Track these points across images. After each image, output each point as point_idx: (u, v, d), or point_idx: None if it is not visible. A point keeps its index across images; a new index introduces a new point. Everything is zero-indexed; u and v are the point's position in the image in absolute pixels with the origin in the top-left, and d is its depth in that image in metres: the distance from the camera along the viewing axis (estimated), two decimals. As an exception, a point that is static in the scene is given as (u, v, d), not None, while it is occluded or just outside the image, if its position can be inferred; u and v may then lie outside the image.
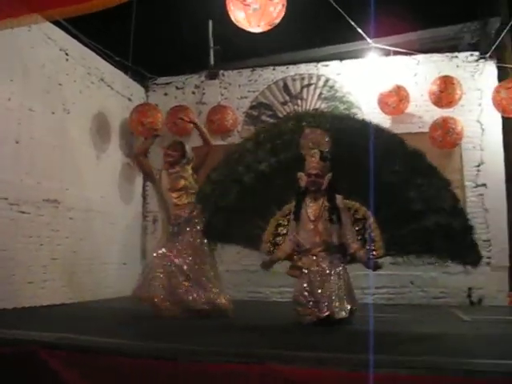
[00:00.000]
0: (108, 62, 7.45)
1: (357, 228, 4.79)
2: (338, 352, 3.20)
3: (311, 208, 4.76)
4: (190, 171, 5.61)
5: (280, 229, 4.99)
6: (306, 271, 4.67)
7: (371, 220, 4.71)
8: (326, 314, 4.37)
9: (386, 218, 4.66)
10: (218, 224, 5.16)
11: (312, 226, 4.71)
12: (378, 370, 2.75)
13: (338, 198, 4.77)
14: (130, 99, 7.90)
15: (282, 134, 5.13)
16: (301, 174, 4.81)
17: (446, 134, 6.80)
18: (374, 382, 2.72)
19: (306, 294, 4.57)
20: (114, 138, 7.49)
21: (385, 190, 4.47)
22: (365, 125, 5.14)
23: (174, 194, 5.45)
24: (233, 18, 4.60)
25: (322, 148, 4.79)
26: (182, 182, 5.48)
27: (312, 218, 4.73)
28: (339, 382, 2.86)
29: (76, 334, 3.55)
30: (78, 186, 6.62)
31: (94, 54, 7.13)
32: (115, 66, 7.61)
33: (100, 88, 7.24)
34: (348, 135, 4.87)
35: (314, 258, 4.68)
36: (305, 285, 4.63)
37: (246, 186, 4.99)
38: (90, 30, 6.95)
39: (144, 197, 8.12)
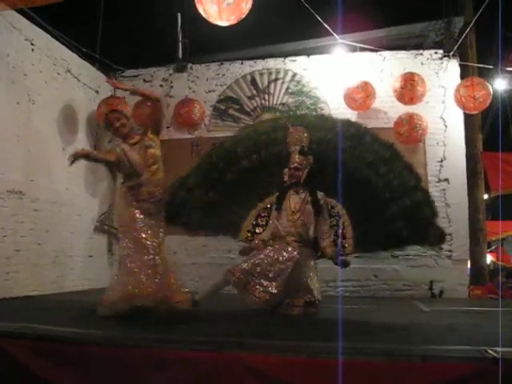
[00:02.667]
0: (75, 53, 7.37)
1: (332, 224, 5.05)
2: (301, 340, 3.28)
3: (294, 200, 5.00)
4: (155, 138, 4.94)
5: (259, 220, 5.25)
6: (270, 248, 4.86)
7: (342, 218, 4.92)
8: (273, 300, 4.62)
9: (357, 211, 4.86)
10: (198, 215, 5.31)
11: (292, 217, 4.95)
12: (341, 356, 2.84)
13: (320, 195, 5.03)
14: (97, 91, 7.84)
15: (262, 132, 5.37)
16: (286, 170, 5.14)
17: (413, 130, 6.92)
18: (337, 368, 2.81)
19: (258, 269, 4.72)
20: (80, 130, 7.44)
21: (359, 183, 4.67)
22: (334, 122, 5.39)
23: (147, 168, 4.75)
24: (201, 10, 4.62)
25: (303, 143, 5.08)
26: (152, 151, 4.80)
27: (293, 209, 4.97)
28: (300, 368, 2.93)
29: (36, 324, 3.57)
30: (43, 178, 6.56)
31: (60, 44, 7.05)
32: (82, 58, 7.53)
33: (66, 79, 7.17)
34: (324, 134, 5.14)
35: (286, 245, 4.87)
36: (260, 259, 4.79)
37: (228, 181, 5.20)
38: (57, 21, 6.88)
39: (111, 189, 8.06)
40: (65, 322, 3.87)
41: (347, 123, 5.31)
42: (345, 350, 2.91)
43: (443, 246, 6.93)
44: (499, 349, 2.91)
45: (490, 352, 2.87)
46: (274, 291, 4.70)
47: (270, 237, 5.07)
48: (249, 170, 5.31)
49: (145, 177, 4.69)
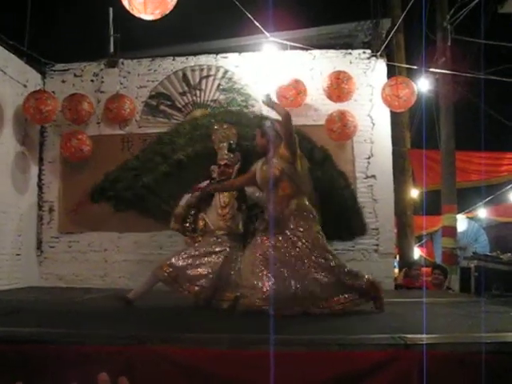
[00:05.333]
0: (1, 45, 7.15)
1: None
2: (221, 332, 3.35)
3: (223, 195, 5.03)
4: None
5: (191, 210, 5.27)
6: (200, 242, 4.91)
7: None
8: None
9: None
10: (135, 199, 5.43)
11: (221, 212, 5.03)
12: (267, 347, 2.91)
13: (248, 190, 5.07)
14: (25, 85, 7.62)
15: (199, 127, 5.48)
16: (214, 167, 5.25)
17: (345, 127, 7.06)
18: (262, 358, 2.88)
19: (188, 263, 4.76)
20: (7, 125, 7.20)
21: None
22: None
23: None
24: (125, 2, 4.57)
25: (230, 140, 5.16)
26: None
27: (223, 204, 5.06)
28: (218, 360, 2.99)
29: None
30: (-34, 174, 6.37)
31: (-15, 36, 6.84)
32: (9, 50, 7.30)
33: (-8, 72, 6.97)
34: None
35: (215, 239, 4.91)
36: (189, 253, 4.84)
37: (162, 173, 5.30)
38: (-19, 12, 6.68)
39: (40, 186, 7.89)
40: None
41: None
42: (268, 341, 2.98)
43: (370, 241, 7.24)
44: (409, 335, 3.10)
45: (403, 338, 3.04)
46: (205, 285, 4.75)
47: (200, 233, 5.14)
48: (183, 163, 5.43)
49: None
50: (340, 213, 5.52)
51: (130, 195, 5.62)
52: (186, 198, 5.22)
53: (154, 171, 5.58)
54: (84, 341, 3.10)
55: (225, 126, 5.39)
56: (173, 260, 4.80)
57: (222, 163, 5.17)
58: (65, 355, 3.01)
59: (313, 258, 4.32)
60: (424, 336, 3.12)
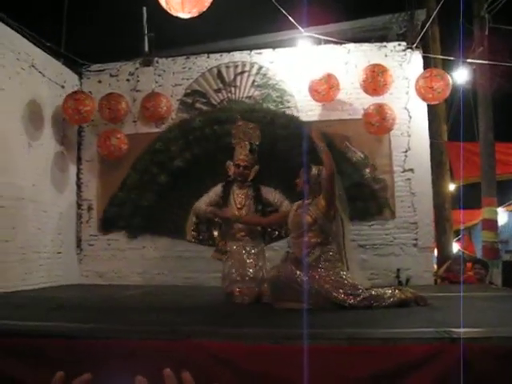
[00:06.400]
0: (39, 47, 7.27)
1: None
2: (259, 327, 3.36)
3: (238, 196, 5.03)
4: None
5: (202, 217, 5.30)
6: (230, 254, 4.99)
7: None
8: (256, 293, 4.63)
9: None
10: (144, 223, 5.40)
11: (238, 213, 4.99)
12: (299, 342, 2.90)
13: (264, 189, 5.13)
14: (62, 86, 7.76)
15: (193, 129, 5.41)
16: (229, 163, 5.18)
17: (384, 120, 6.95)
18: (296, 353, 2.87)
19: (233, 273, 4.83)
20: (46, 126, 7.35)
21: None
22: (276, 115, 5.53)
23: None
24: (162, 2, 4.60)
25: (253, 141, 5.12)
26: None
27: (238, 205, 5.03)
28: (259, 354, 2.99)
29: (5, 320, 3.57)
30: (8, 174, 6.48)
31: (23, 39, 6.95)
32: (47, 52, 7.43)
33: (31, 74, 7.08)
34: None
35: (239, 242, 4.96)
36: (230, 265, 4.91)
37: (162, 184, 5.25)
38: (20, 15, 6.80)
39: (78, 185, 8.02)
40: (27, 316, 3.87)
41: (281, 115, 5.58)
42: (306, 335, 2.97)
43: (409, 235, 7.17)
44: (459, 330, 3.04)
45: (449, 332, 3.00)
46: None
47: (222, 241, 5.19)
48: (183, 169, 5.38)
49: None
50: (352, 193, 5.51)
51: (139, 221, 5.58)
52: (203, 202, 5.20)
53: (154, 184, 5.49)
54: (127, 336, 3.15)
55: (250, 126, 5.31)
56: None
57: (242, 164, 5.10)
58: (109, 349, 3.05)
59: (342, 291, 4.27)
60: (469, 330, 3.06)
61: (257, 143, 5.24)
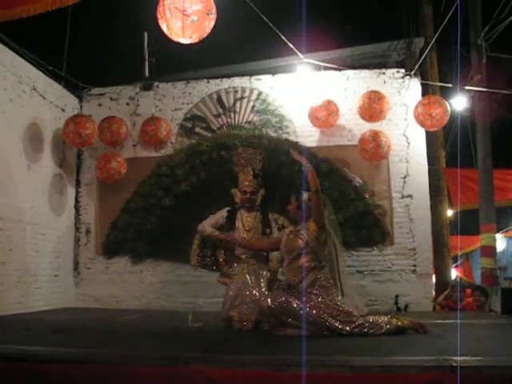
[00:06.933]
0: (41, 70, 7.33)
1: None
2: (259, 354, 3.33)
3: (246, 219, 5.09)
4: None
5: (207, 242, 5.30)
6: (236, 278, 4.95)
7: None
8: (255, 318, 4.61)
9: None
10: (148, 248, 5.39)
11: (246, 235, 5.03)
12: (300, 369, 2.89)
13: (271, 215, 5.20)
14: (63, 109, 7.81)
15: (200, 154, 5.45)
16: (235, 190, 5.27)
17: (379, 147, 7.00)
18: (300, 381, 2.85)
19: (234, 297, 4.82)
20: (46, 148, 7.37)
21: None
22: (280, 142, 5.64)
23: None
24: (164, 27, 4.67)
25: (255, 166, 5.19)
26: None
27: (247, 228, 5.08)
28: (259, 381, 2.96)
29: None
30: (7, 196, 6.48)
31: (25, 62, 7.01)
32: (48, 76, 7.49)
33: (32, 97, 7.12)
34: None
35: (244, 264, 4.95)
36: (232, 289, 4.89)
37: (167, 208, 5.26)
38: (22, 38, 6.85)
39: (77, 208, 8.02)
40: (25, 340, 3.85)
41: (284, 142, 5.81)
42: (307, 362, 2.96)
43: (408, 261, 7.16)
44: (459, 358, 3.02)
45: (449, 361, 2.98)
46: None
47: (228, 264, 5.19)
48: (189, 194, 5.40)
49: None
50: (356, 221, 5.64)
51: (143, 245, 5.56)
52: (206, 227, 5.21)
53: (158, 208, 5.50)
54: (128, 361, 3.13)
55: (250, 151, 5.40)
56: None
57: (249, 190, 5.17)
58: (109, 375, 3.03)
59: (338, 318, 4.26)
60: (469, 358, 3.05)
61: (259, 168, 5.30)
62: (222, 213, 5.25)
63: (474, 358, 3.07)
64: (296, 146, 5.95)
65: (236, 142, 5.61)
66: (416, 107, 6.94)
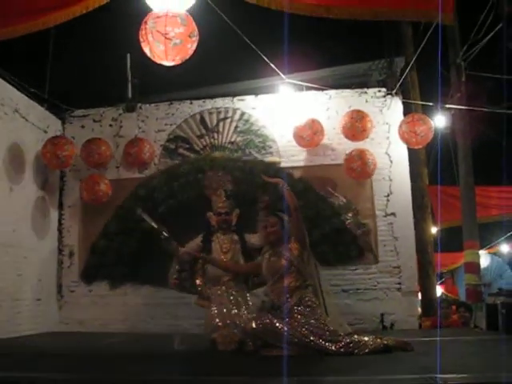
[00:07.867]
0: (23, 93, 7.31)
1: None
2: (245, 375, 3.31)
3: (223, 242, 5.12)
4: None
5: (184, 265, 5.31)
6: (214, 299, 4.95)
7: None
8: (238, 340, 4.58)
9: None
10: (123, 270, 5.35)
11: (223, 257, 5.04)
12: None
13: (247, 235, 5.25)
14: (45, 131, 7.76)
15: (178, 176, 5.48)
16: (210, 214, 5.31)
17: (365, 165, 7.03)
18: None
19: (216, 319, 4.80)
20: (28, 170, 7.31)
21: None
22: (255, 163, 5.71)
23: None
24: (147, 50, 4.70)
25: (226, 187, 5.25)
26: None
27: (224, 250, 5.14)
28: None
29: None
30: (-12, 219, 6.43)
31: (7, 84, 6.98)
32: (30, 98, 7.47)
33: (14, 119, 7.08)
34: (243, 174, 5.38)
35: (223, 286, 5.03)
36: (212, 311, 4.88)
37: (146, 231, 5.24)
38: (4, 60, 6.82)
39: (60, 230, 7.95)
40: (7, 366, 3.79)
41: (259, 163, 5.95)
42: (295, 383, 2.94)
43: (393, 279, 7.17)
44: (440, 375, 3.02)
45: (434, 378, 2.98)
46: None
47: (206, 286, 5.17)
48: (167, 216, 5.40)
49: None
50: (333, 238, 5.54)
51: (121, 269, 5.51)
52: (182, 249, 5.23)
53: (137, 231, 5.46)
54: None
55: (219, 174, 5.48)
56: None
57: (223, 211, 5.24)
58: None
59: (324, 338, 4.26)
60: (455, 376, 3.05)
61: (230, 188, 5.35)
62: (197, 241, 5.29)
63: (459, 376, 3.06)
64: (272, 166, 5.98)
65: (212, 164, 5.62)
66: (400, 126, 7.01)
